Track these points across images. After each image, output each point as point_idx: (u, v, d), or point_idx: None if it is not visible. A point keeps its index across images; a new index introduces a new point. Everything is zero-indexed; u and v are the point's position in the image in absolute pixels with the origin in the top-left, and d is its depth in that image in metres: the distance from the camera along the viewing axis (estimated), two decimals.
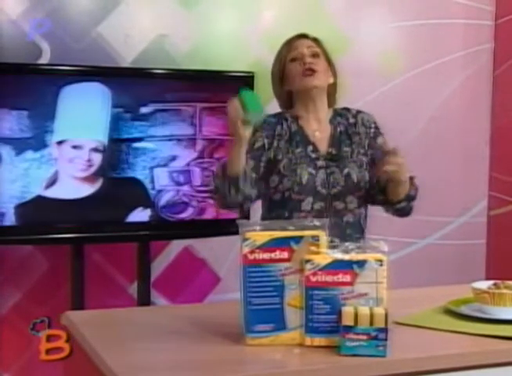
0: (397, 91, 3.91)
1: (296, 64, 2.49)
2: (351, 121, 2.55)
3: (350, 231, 2.45)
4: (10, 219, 2.98)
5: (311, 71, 2.46)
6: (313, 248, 1.75)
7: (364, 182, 2.48)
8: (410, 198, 2.48)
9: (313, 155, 2.47)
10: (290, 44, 2.54)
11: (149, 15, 3.48)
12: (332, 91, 2.55)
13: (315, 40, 2.56)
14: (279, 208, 2.46)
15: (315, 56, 2.50)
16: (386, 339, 1.67)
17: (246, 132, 2.24)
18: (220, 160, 2.54)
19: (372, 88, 3.83)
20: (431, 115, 4.01)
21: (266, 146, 2.45)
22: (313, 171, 2.46)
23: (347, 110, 2.58)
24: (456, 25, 4.01)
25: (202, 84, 3.25)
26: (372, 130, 2.55)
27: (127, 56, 3.40)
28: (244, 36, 3.60)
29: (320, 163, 2.47)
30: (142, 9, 3.45)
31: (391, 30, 3.90)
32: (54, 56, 3.26)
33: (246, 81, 3.21)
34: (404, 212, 2.53)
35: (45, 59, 3.26)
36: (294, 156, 2.46)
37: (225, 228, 3.11)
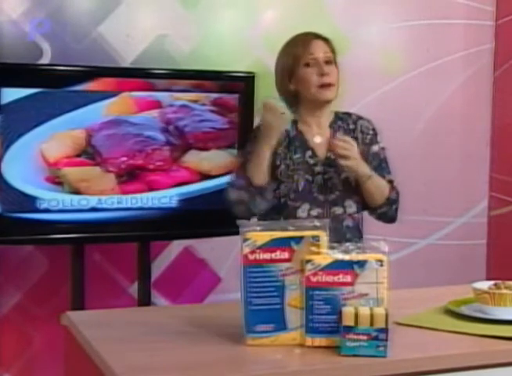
0: (397, 91, 3.90)
1: (312, 71, 2.43)
2: (351, 126, 2.53)
3: (350, 235, 2.44)
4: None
5: (329, 85, 2.43)
6: (313, 248, 1.75)
7: None
8: (391, 202, 2.46)
9: (311, 161, 2.46)
10: (306, 44, 2.46)
11: (149, 15, 3.48)
12: None
13: (327, 41, 2.50)
14: (274, 214, 2.45)
15: (328, 62, 2.45)
16: (386, 339, 1.67)
17: (279, 129, 2.29)
18: (235, 172, 2.49)
19: (372, 89, 3.83)
20: (432, 115, 4.00)
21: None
22: (310, 178, 2.45)
23: (349, 115, 2.56)
24: (456, 25, 4.01)
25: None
26: (368, 136, 2.53)
27: (127, 57, 3.40)
28: (245, 36, 3.60)
29: (318, 169, 2.46)
30: (142, 10, 3.45)
31: (392, 31, 3.89)
32: (55, 57, 3.26)
33: (246, 81, 3.21)
34: (387, 217, 2.50)
35: (45, 60, 3.26)
36: (292, 162, 2.45)
37: (225, 228, 3.10)
